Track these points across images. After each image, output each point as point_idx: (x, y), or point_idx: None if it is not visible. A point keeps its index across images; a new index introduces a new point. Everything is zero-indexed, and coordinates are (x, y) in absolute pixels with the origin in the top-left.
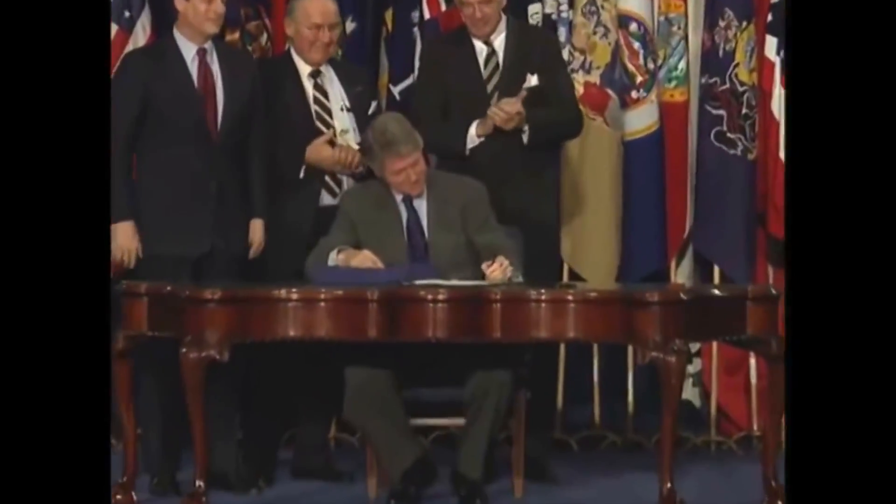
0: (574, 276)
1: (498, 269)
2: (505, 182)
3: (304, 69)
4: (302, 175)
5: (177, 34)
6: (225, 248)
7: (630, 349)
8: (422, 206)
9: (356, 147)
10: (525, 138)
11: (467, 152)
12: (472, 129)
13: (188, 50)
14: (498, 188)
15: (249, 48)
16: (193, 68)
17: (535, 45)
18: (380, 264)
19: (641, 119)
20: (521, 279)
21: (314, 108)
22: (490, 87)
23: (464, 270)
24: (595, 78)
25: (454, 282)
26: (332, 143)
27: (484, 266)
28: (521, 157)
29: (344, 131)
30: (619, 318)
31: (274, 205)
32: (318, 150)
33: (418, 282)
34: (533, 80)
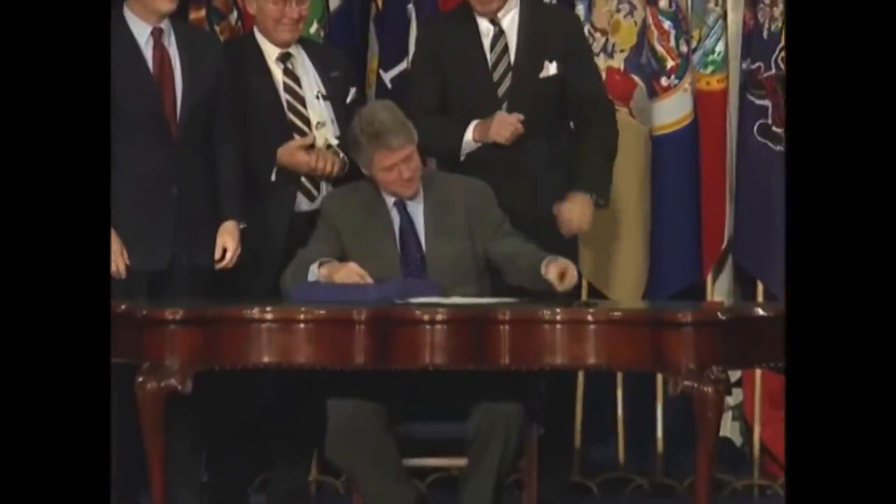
0: (594, 293)
1: (567, 273)
2: (513, 184)
3: (272, 52)
4: (273, 177)
5: (127, 13)
6: (188, 261)
7: (659, 378)
8: (417, 210)
9: (335, 142)
10: (603, 202)
11: (462, 157)
12: (469, 133)
13: (141, 31)
14: (505, 191)
15: (217, 28)
16: (147, 52)
17: (554, 25)
18: (368, 279)
19: (673, 110)
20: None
21: (285, 97)
22: (497, 76)
23: (467, 286)
24: (619, 63)
25: (455, 299)
26: (310, 146)
27: (551, 271)
28: (531, 154)
29: (321, 123)
30: (646, 342)
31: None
32: (291, 154)
33: (413, 300)
34: (551, 68)
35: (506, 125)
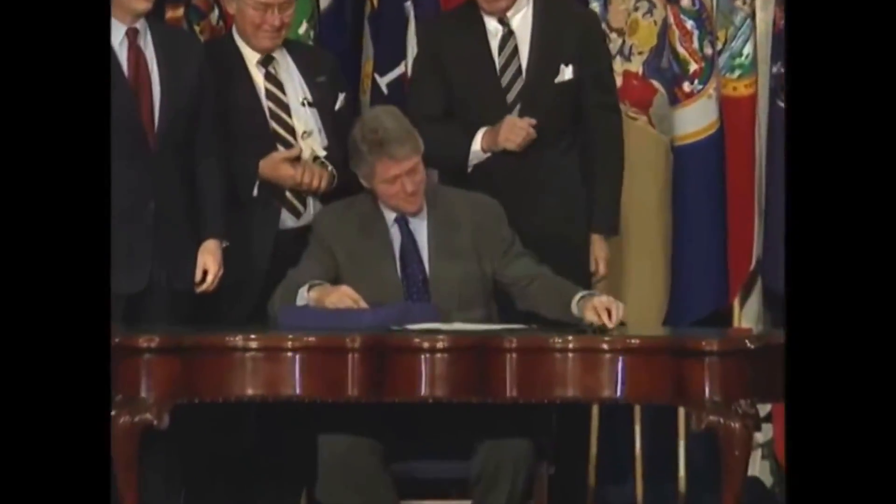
0: None
1: (613, 306)
2: (521, 199)
3: (252, 56)
4: (255, 192)
5: None
6: (166, 283)
7: (682, 412)
8: (420, 228)
9: (322, 153)
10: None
11: (469, 168)
12: (478, 142)
13: (115, 31)
14: (513, 207)
15: (196, 28)
16: (122, 54)
17: (569, 24)
18: (363, 304)
19: (696, 118)
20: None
21: (267, 104)
22: (506, 81)
23: (473, 310)
24: (637, 66)
25: (457, 325)
26: (295, 158)
27: (592, 312)
28: (541, 167)
29: (307, 133)
30: (667, 373)
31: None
32: (275, 168)
33: (413, 326)
34: (567, 72)
35: (516, 130)
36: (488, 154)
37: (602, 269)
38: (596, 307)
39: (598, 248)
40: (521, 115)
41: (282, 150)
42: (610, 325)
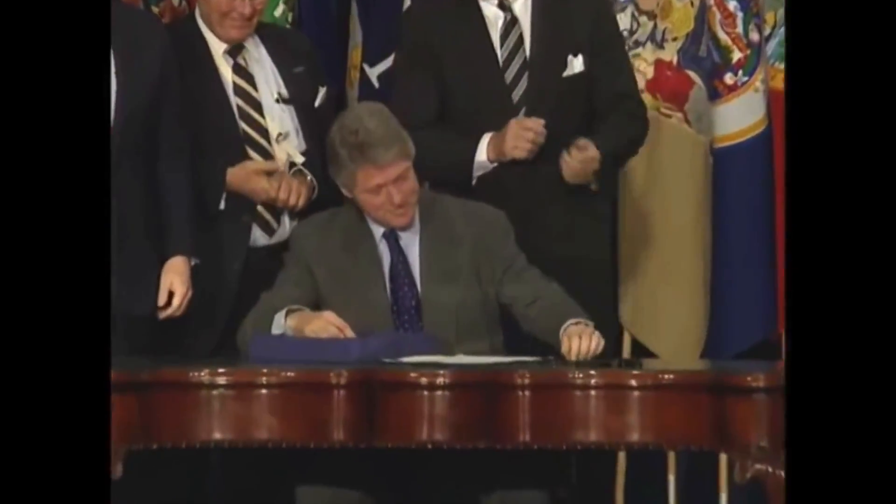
0: (639, 348)
1: (585, 337)
2: (537, 211)
3: (218, 45)
4: (222, 205)
5: None
6: (124, 309)
7: (723, 459)
8: (413, 244)
9: (300, 158)
10: (594, 187)
11: (474, 180)
12: (482, 151)
13: None
14: (527, 220)
15: (156, 9)
16: None
17: (577, 8)
18: (349, 332)
19: (740, 116)
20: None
21: (236, 101)
22: (511, 76)
23: (475, 340)
24: (671, 54)
25: (460, 358)
26: (269, 171)
27: (565, 349)
28: (554, 174)
29: (282, 135)
30: (706, 414)
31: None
32: (246, 179)
33: (408, 358)
34: (577, 63)
35: (522, 136)
36: (495, 164)
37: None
38: (569, 334)
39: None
40: (527, 115)
41: (256, 160)
42: (571, 357)
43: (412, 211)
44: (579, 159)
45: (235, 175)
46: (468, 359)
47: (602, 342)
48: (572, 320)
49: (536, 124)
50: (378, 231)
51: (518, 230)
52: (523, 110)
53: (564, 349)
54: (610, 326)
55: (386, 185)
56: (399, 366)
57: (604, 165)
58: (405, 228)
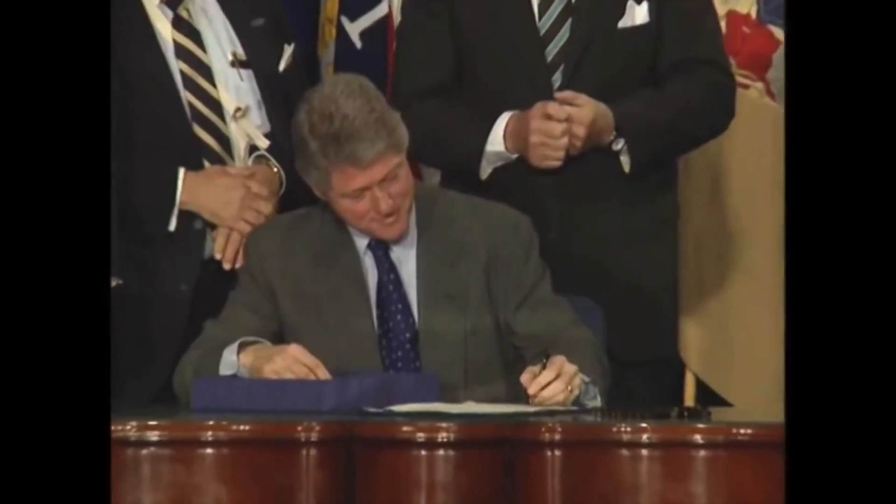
0: (706, 394)
1: (554, 383)
2: (575, 214)
3: None
4: (172, 225)
5: None
6: None
7: None
8: (408, 257)
9: (264, 143)
10: (626, 166)
11: (483, 175)
12: (498, 137)
13: None
14: (562, 225)
15: None
16: None
17: None
18: (323, 373)
19: None
20: (599, 402)
21: (178, 66)
22: (546, 23)
23: (490, 384)
24: (747, 6)
25: (469, 406)
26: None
27: (525, 377)
28: (596, 163)
29: (240, 111)
30: None
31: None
32: (215, 192)
33: (398, 407)
34: (639, 12)
35: (548, 132)
36: (515, 155)
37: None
38: (542, 372)
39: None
40: (566, 79)
41: (213, 167)
42: (530, 390)
43: (405, 219)
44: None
45: (192, 185)
46: (480, 407)
47: (579, 391)
48: (559, 358)
49: (567, 111)
50: (362, 240)
51: (547, 240)
52: (560, 71)
53: (525, 379)
54: (668, 364)
55: (370, 187)
56: (388, 417)
57: (636, 146)
58: (398, 240)
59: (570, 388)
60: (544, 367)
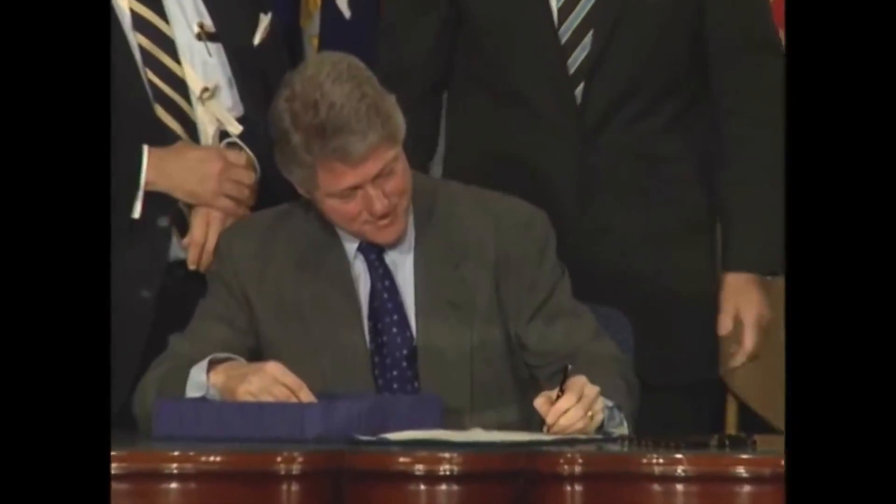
0: (753, 422)
1: (573, 409)
2: (591, 210)
3: None
4: (137, 212)
5: None
6: None
7: None
8: (404, 261)
9: (237, 129)
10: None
11: None
12: None
13: None
14: (582, 223)
15: None
16: None
17: None
18: (306, 394)
19: None
20: (626, 429)
21: (136, 39)
22: (556, 14)
23: (500, 407)
24: None
25: (476, 433)
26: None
27: (541, 402)
28: (628, 155)
29: (208, 91)
30: None
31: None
32: (187, 166)
33: (394, 435)
34: None
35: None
36: None
37: (748, 341)
38: (560, 396)
39: (740, 299)
40: (590, 67)
41: (183, 144)
42: (548, 418)
43: (403, 221)
44: None
45: (158, 162)
46: (488, 435)
47: (601, 418)
48: (580, 380)
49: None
50: (351, 246)
51: (565, 239)
52: (581, 56)
53: (540, 404)
54: (708, 386)
55: (362, 186)
56: (382, 446)
57: None
58: (394, 245)
59: (590, 413)
60: (562, 391)
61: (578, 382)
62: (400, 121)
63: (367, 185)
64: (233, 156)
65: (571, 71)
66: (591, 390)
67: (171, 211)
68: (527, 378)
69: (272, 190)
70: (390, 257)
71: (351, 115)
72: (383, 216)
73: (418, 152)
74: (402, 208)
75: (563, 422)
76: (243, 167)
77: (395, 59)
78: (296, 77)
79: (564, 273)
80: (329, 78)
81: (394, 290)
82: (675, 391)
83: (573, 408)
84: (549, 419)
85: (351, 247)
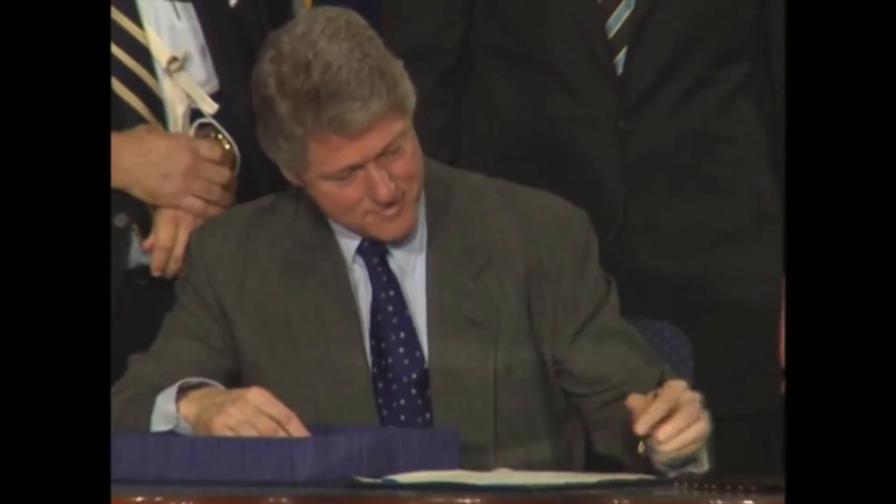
0: None
1: (677, 420)
2: (640, 203)
3: None
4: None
5: None
6: None
7: None
8: (413, 269)
9: (211, 108)
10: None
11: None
12: None
13: None
14: (628, 222)
15: None
16: None
17: None
18: (296, 428)
19: None
20: (706, 466)
21: None
22: None
23: (531, 443)
24: None
25: (501, 474)
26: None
27: (635, 401)
28: (684, 131)
29: (176, 61)
30: None
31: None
32: (149, 158)
33: (403, 476)
34: None
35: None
36: None
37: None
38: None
39: None
40: (627, 34)
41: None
42: (639, 427)
43: (412, 212)
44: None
45: (122, 148)
46: (516, 476)
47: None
48: (679, 388)
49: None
50: (350, 241)
51: (606, 238)
52: (623, 17)
53: (634, 405)
54: (779, 417)
55: (364, 165)
56: (389, 489)
57: None
58: (402, 242)
59: (693, 429)
60: (656, 395)
61: (676, 387)
62: (409, 88)
63: (370, 165)
64: (205, 148)
65: (611, 34)
66: (692, 396)
67: (129, 207)
68: (562, 409)
69: (253, 182)
70: (396, 261)
71: (350, 79)
72: (389, 204)
73: (441, 149)
74: (411, 196)
75: (674, 443)
76: (216, 162)
77: (404, 35)
78: (283, 35)
79: (612, 286)
80: (324, 35)
81: (401, 302)
82: (740, 421)
83: (674, 419)
84: (641, 428)
85: (349, 247)
